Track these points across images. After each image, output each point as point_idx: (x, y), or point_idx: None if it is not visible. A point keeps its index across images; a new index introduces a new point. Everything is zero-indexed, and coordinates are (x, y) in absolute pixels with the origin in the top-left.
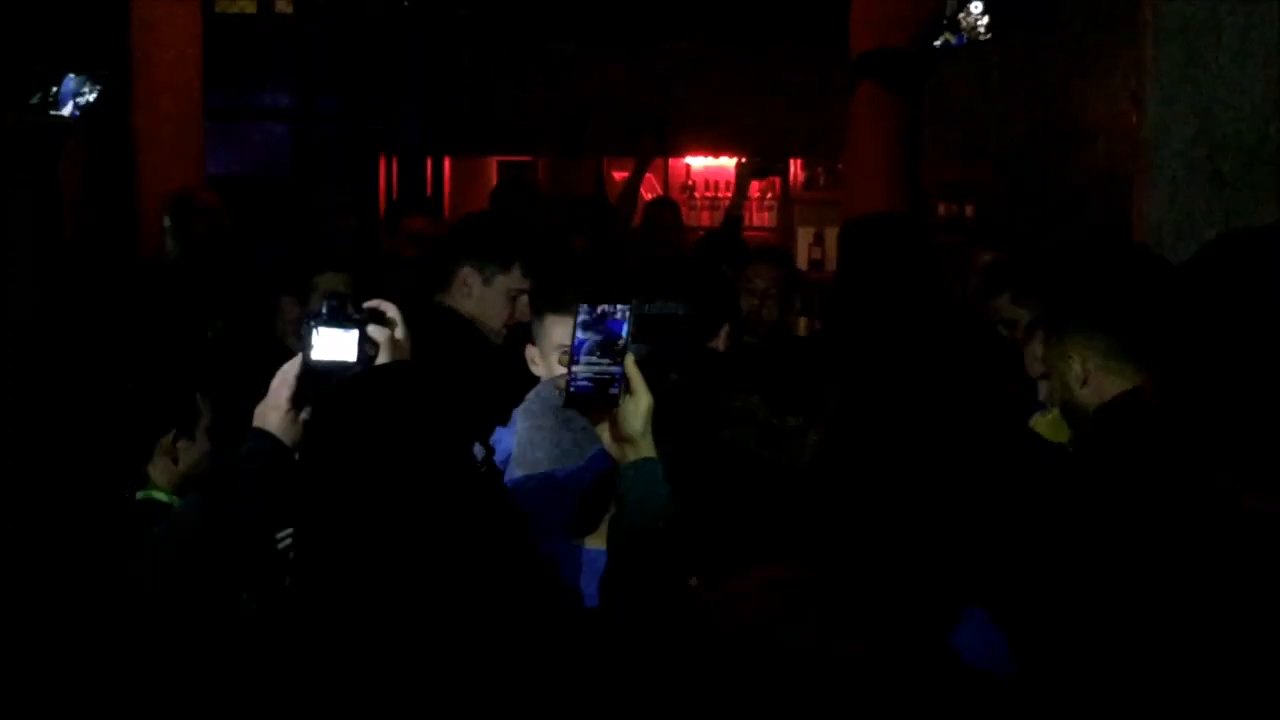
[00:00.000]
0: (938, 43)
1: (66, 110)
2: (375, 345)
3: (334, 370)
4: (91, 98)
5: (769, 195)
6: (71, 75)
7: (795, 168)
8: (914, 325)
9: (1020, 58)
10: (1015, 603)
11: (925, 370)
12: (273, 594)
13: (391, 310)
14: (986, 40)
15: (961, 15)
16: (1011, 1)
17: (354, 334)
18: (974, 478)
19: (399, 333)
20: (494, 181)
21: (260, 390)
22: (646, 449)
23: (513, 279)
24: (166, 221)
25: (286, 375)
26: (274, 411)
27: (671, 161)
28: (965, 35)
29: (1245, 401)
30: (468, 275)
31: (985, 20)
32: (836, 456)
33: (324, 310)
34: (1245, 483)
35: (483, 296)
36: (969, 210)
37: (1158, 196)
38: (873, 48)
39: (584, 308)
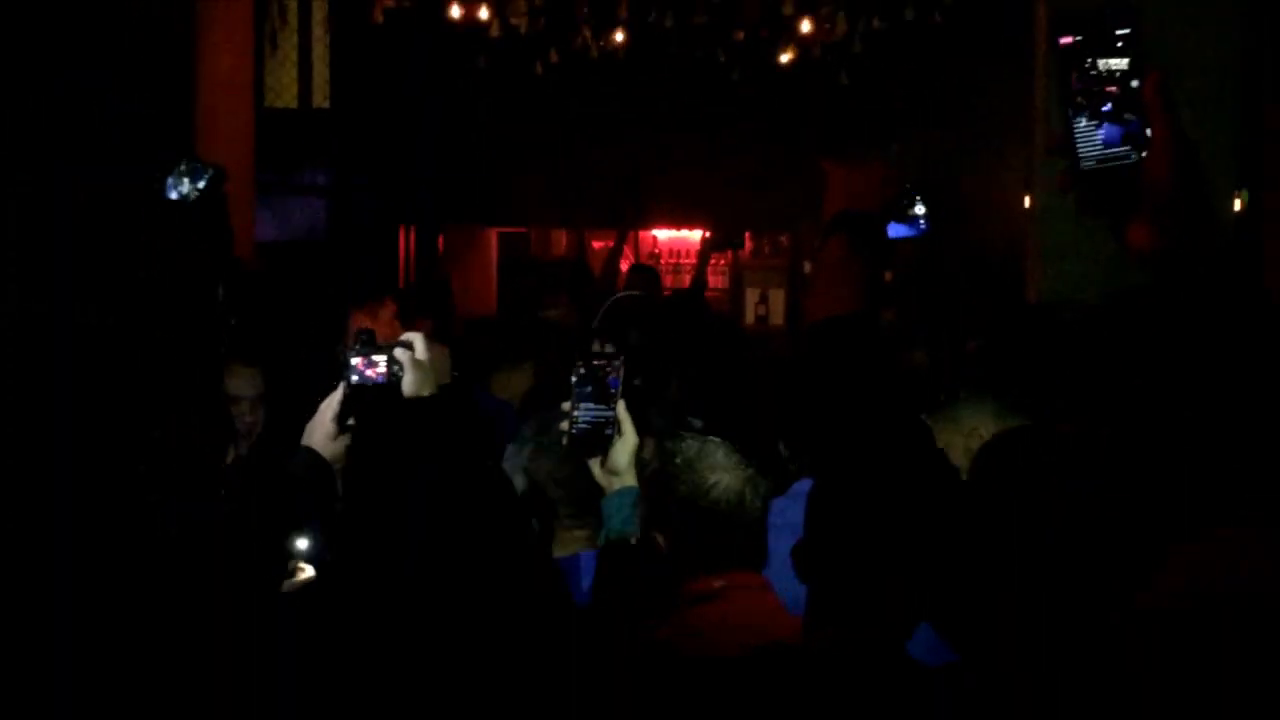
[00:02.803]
0: (891, 230)
1: (182, 191)
2: (400, 365)
3: (369, 387)
4: (201, 184)
5: (722, 262)
6: (184, 161)
7: (744, 239)
8: (869, 401)
9: (931, 151)
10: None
11: (883, 436)
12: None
13: (416, 338)
14: (927, 230)
15: (908, 211)
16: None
17: (383, 357)
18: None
19: (419, 354)
20: (494, 247)
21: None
22: (630, 479)
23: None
24: (220, 289)
25: (331, 400)
26: (319, 429)
27: (642, 233)
28: (910, 227)
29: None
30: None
31: (924, 215)
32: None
33: (358, 342)
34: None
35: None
36: (888, 276)
37: (1046, 264)
38: (842, 209)
39: (581, 362)
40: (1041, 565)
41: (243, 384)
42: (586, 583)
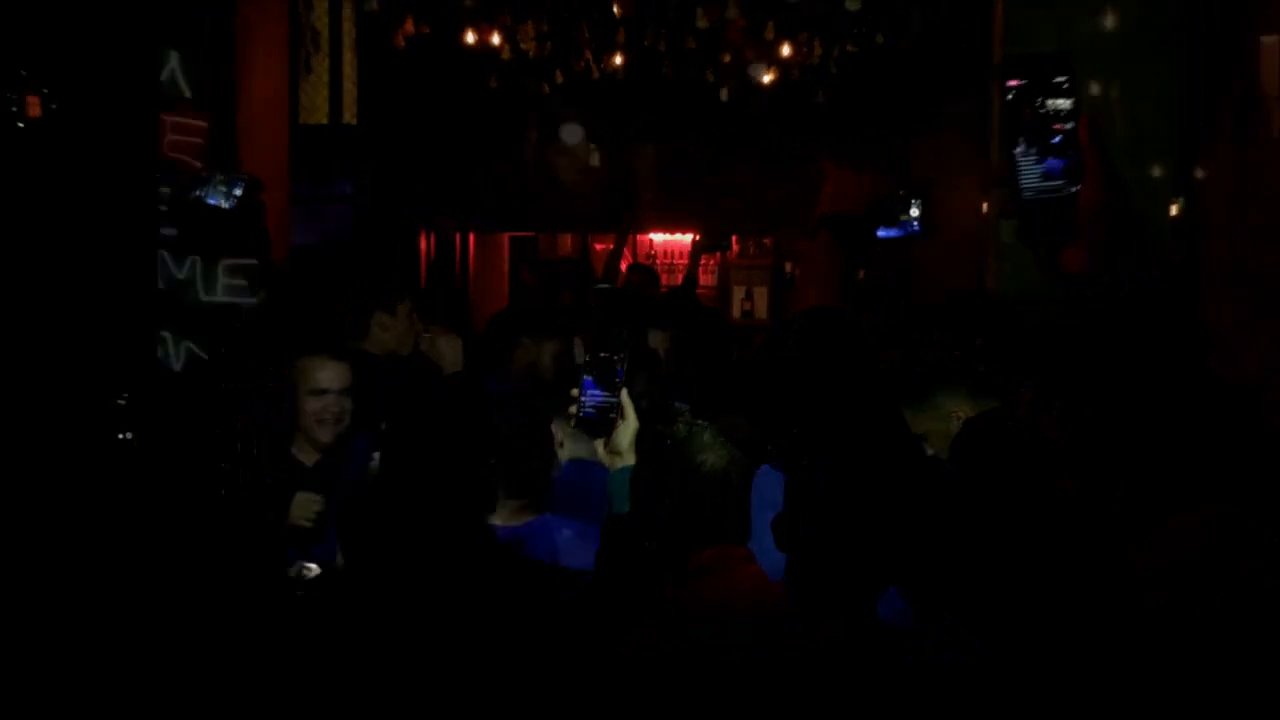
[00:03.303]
0: (880, 232)
1: (220, 200)
2: None
3: None
4: (238, 192)
5: (711, 262)
6: (219, 172)
7: (731, 241)
8: (847, 382)
9: (903, 160)
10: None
11: (856, 412)
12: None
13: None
14: (918, 233)
15: (902, 215)
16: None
17: None
18: (892, 491)
19: None
20: (505, 251)
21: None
22: (630, 459)
23: (407, 305)
24: (260, 290)
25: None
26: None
27: (639, 236)
28: (902, 229)
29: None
30: (381, 318)
31: (918, 218)
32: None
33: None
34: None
35: (395, 326)
36: (861, 274)
37: (1002, 266)
38: (831, 210)
39: (589, 354)
40: (1021, 542)
41: (331, 377)
42: (542, 548)
